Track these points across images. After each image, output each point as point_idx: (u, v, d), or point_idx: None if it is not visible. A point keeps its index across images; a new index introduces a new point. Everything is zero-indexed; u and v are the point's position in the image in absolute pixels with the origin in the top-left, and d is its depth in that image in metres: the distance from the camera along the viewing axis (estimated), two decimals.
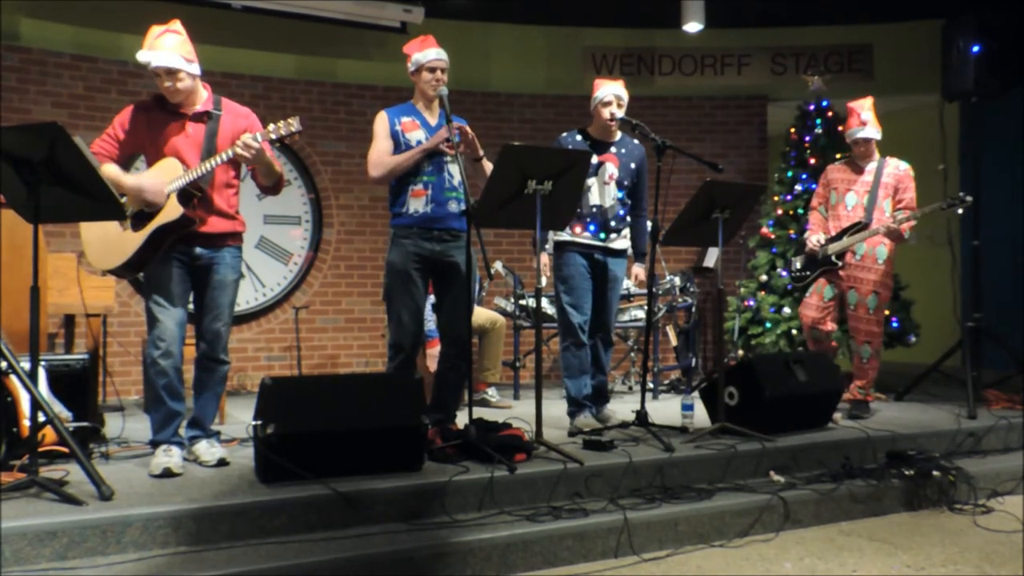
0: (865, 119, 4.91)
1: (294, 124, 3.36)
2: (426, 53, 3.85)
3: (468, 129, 3.82)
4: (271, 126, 3.37)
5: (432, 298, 4.14)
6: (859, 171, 4.99)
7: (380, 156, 3.85)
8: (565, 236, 4.27)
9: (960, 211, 4.80)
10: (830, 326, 4.99)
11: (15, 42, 5.99)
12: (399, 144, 3.85)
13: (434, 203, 3.83)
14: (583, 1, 7.17)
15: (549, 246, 4.41)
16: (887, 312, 6.17)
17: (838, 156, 6.30)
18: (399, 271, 3.83)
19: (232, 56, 6.60)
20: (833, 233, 4.96)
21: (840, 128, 6.60)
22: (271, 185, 3.59)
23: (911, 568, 3.09)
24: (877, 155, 4.99)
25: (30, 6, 6.06)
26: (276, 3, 6.34)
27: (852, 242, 4.85)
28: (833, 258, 4.89)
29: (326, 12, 6.51)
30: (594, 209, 4.28)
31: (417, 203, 3.83)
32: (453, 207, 3.87)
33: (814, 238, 4.98)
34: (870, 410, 4.86)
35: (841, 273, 4.92)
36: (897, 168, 4.93)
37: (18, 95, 5.95)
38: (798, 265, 5.12)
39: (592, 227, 4.27)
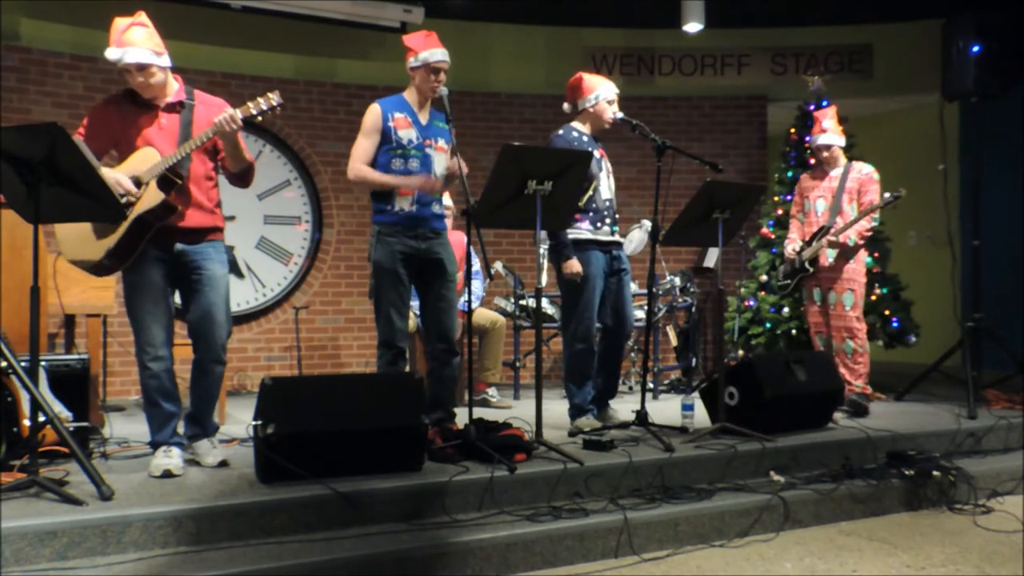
0: (826, 127, 5.14)
1: (274, 98, 3.28)
2: (433, 52, 3.84)
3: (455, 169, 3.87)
4: (250, 103, 3.29)
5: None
6: (824, 176, 5.19)
7: (360, 169, 3.85)
8: (587, 234, 4.23)
9: (894, 206, 4.90)
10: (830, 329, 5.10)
11: (15, 42, 5.99)
12: (390, 140, 3.85)
13: (418, 204, 3.85)
14: (583, 1, 7.17)
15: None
16: (887, 312, 6.20)
17: (849, 158, 6.34)
18: (387, 269, 3.83)
19: (232, 56, 6.61)
20: (805, 239, 5.15)
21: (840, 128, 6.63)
22: (239, 173, 3.47)
23: (911, 568, 3.09)
24: (843, 160, 5.17)
25: (30, 6, 6.06)
26: (276, 3, 6.34)
27: (817, 248, 5.01)
28: (806, 264, 5.06)
29: (326, 12, 6.51)
30: (607, 203, 4.29)
31: (403, 202, 3.84)
32: (436, 208, 3.92)
33: (790, 247, 5.21)
34: (869, 405, 4.91)
35: (819, 276, 5.07)
36: (860, 172, 5.09)
37: (18, 95, 5.95)
38: (782, 274, 5.32)
39: (608, 221, 4.28)
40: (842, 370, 4.93)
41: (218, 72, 6.55)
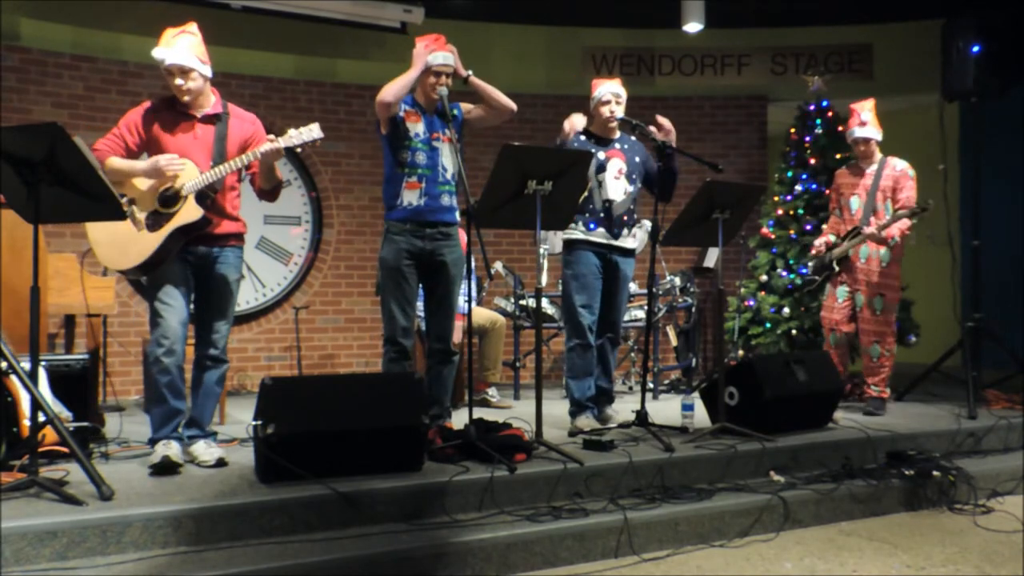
0: (865, 119, 4.97)
1: (315, 131, 3.42)
2: (435, 56, 3.86)
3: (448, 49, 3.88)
4: (291, 131, 3.42)
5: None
6: (861, 173, 5.07)
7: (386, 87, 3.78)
8: (578, 234, 4.26)
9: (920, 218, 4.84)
10: (848, 328, 5.08)
11: (15, 42, 5.99)
12: (398, 131, 3.86)
13: (427, 196, 3.85)
14: (583, 1, 7.17)
15: (548, 245, 4.41)
16: None
17: (837, 156, 6.32)
18: (391, 268, 3.85)
19: (232, 56, 6.60)
20: (840, 236, 5.07)
21: (840, 128, 6.62)
22: (270, 190, 3.63)
23: (911, 568, 3.09)
24: (878, 155, 5.04)
25: (30, 6, 6.06)
26: (276, 3, 6.34)
27: (848, 247, 4.94)
28: (834, 264, 4.99)
29: (326, 12, 6.51)
30: (606, 204, 4.28)
31: (411, 195, 3.84)
32: (446, 200, 3.91)
33: (819, 240, 5.12)
34: (886, 407, 4.92)
35: (848, 276, 5.00)
36: (894, 168, 4.97)
37: (18, 95, 5.95)
38: (811, 269, 5.26)
39: (604, 222, 4.27)
40: (864, 372, 4.98)
41: (218, 72, 6.50)
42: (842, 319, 5.06)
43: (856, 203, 5.03)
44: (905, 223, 4.81)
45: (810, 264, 5.28)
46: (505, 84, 7.35)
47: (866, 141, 4.97)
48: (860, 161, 5.08)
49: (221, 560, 2.68)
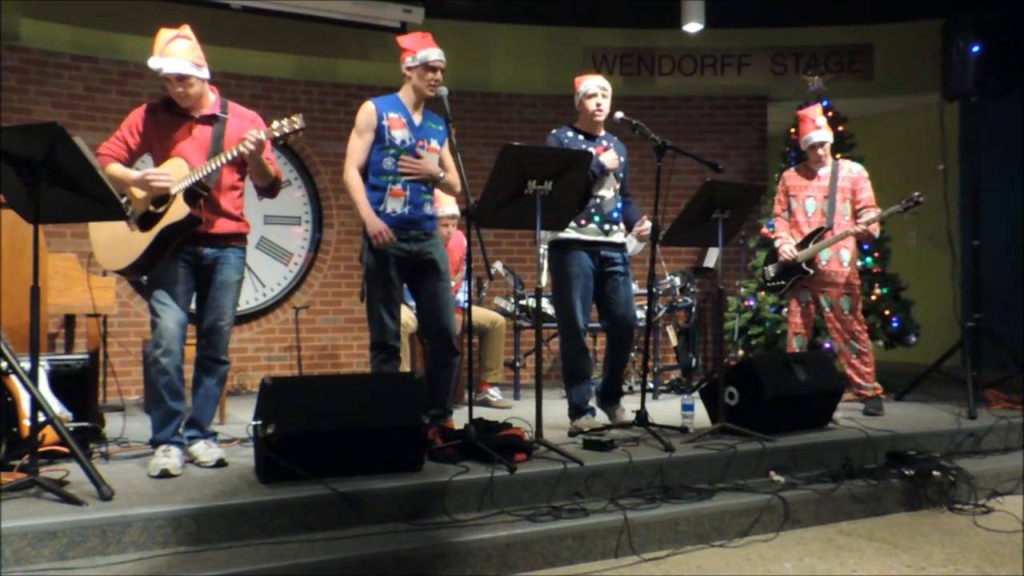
0: (820, 124, 5.08)
1: (297, 122, 3.40)
2: (430, 52, 3.86)
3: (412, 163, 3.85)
4: (275, 123, 3.40)
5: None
6: (813, 176, 5.14)
7: (351, 178, 3.83)
8: (572, 234, 4.25)
9: (914, 212, 4.88)
10: (809, 332, 5.16)
11: (15, 42, 5.99)
12: (383, 139, 3.83)
13: (411, 204, 3.85)
14: (583, 1, 7.17)
15: (547, 245, 4.41)
16: (887, 312, 6.21)
17: (837, 156, 6.31)
18: (377, 272, 3.83)
19: (232, 56, 6.60)
20: (798, 240, 5.09)
21: (841, 128, 6.63)
22: (266, 187, 3.61)
23: (911, 568, 3.09)
24: (830, 159, 5.15)
25: (30, 6, 6.06)
26: (276, 3, 6.34)
27: (819, 248, 4.98)
28: (804, 266, 5.02)
29: (326, 12, 6.51)
30: (597, 200, 4.28)
31: (395, 203, 3.83)
32: (427, 209, 3.93)
33: (787, 247, 5.10)
34: (882, 405, 4.92)
35: (809, 280, 5.05)
36: (850, 171, 5.09)
37: (18, 95, 5.95)
38: (772, 273, 5.25)
39: (596, 219, 4.27)
40: (849, 371, 4.99)
41: (218, 72, 6.51)
42: (805, 323, 5.11)
43: (812, 206, 5.09)
44: (876, 223, 4.93)
45: (771, 267, 5.25)
46: (505, 84, 7.45)
47: (822, 144, 5.06)
48: (812, 164, 5.15)
49: (221, 560, 2.68)
